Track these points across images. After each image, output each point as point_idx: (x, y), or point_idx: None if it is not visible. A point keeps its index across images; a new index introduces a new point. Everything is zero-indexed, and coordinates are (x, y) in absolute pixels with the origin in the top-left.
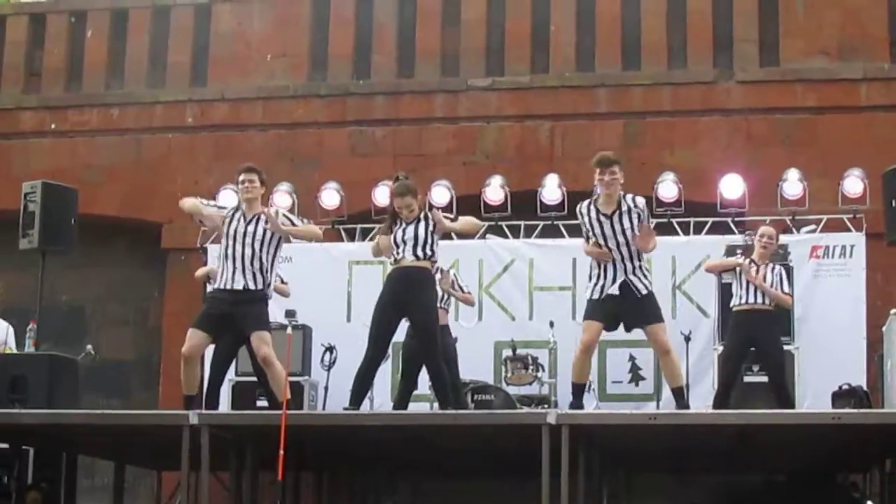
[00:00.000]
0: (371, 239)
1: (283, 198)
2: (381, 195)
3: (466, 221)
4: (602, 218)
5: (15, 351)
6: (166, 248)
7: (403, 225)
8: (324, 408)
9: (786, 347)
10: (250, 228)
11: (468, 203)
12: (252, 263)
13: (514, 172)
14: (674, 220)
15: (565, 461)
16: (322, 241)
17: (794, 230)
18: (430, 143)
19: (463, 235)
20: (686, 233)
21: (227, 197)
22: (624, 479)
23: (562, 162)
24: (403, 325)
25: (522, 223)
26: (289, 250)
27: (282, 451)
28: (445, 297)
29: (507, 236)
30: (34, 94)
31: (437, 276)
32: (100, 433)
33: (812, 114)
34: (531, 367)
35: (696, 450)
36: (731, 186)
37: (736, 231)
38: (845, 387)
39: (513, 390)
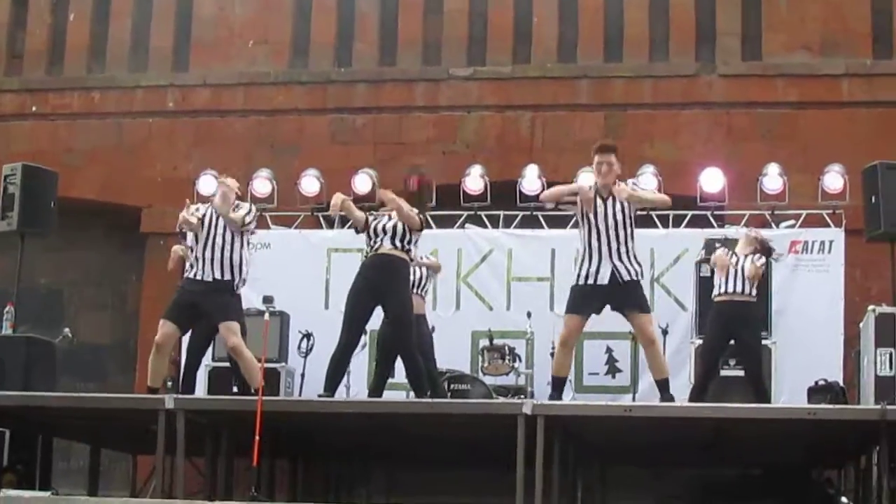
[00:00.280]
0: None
1: (262, 184)
2: (361, 183)
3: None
4: (599, 200)
5: None
6: (145, 233)
7: (384, 218)
8: (300, 394)
9: (763, 342)
10: (221, 221)
11: (447, 192)
12: (222, 254)
13: (494, 162)
14: (653, 213)
15: (540, 452)
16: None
17: (773, 225)
18: (410, 132)
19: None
20: (665, 226)
21: (207, 183)
22: (599, 471)
23: (542, 153)
24: (379, 313)
25: (501, 213)
26: (267, 237)
27: (257, 437)
28: (423, 283)
29: (486, 226)
30: (15, 76)
31: None
32: (76, 416)
33: (793, 109)
34: (508, 358)
35: (671, 443)
36: (711, 180)
37: (715, 224)
38: (821, 382)
39: (489, 380)
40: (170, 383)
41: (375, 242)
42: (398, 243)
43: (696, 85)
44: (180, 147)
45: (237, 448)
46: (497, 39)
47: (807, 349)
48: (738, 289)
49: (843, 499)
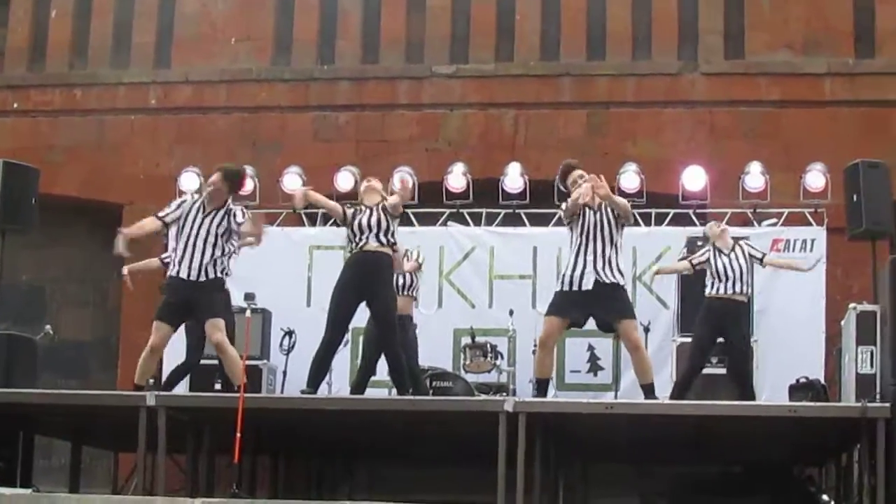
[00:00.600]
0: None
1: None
2: (343, 180)
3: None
4: (588, 209)
5: None
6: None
7: (366, 212)
8: (282, 392)
9: None
10: (206, 221)
11: (430, 190)
12: (212, 253)
13: (476, 160)
14: (635, 211)
15: (522, 450)
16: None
17: (755, 223)
18: (393, 130)
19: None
20: (647, 224)
21: (189, 180)
22: (581, 468)
23: (524, 150)
24: (364, 310)
25: (484, 211)
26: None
27: (238, 434)
28: (413, 284)
29: (468, 224)
30: None
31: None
32: (57, 413)
33: (776, 107)
34: (490, 355)
35: (652, 440)
36: (694, 178)
37: (697, 223)
38: (803, 380)
39: (471, 378)
40: (151, 381)
41: (360, 239)
42: (383, 239)
43: (679, 83)
44: (162, 144)
45: (219, 445)
46: (480, 37)
47: (788, 347)
48: (737, 289)
49: (825, 496)
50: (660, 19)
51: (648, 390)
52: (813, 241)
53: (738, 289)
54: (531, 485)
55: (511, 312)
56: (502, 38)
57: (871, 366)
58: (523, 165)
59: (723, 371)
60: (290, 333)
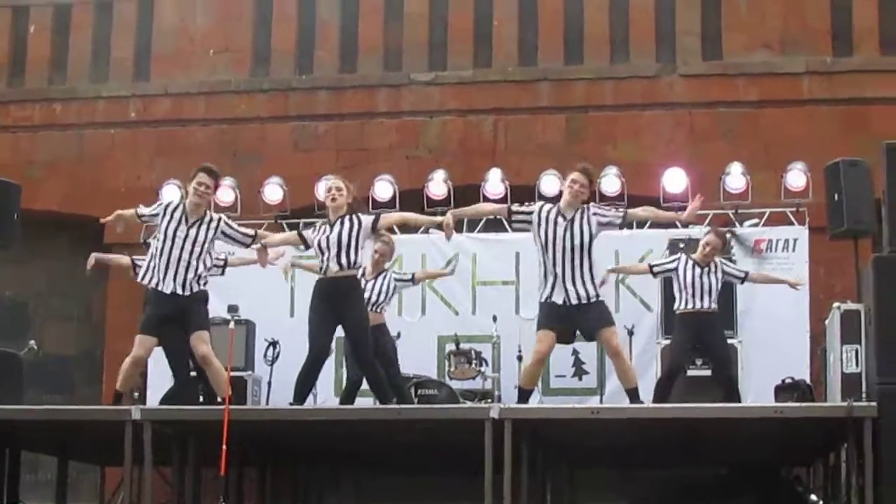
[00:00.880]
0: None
1: (225, 193)
2: (324, 190)
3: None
4: (560, 219)
5: None
6: (109, 244)
7: (326, 230)
8: (267, 403)
9: (729, 341)
10: (192, 232)
11: (411, 198)
12: (194, 266)
13: (456, 167)
14: None
15: (508, 456)
16: None
17: (736, 224)
18: (372, 138)
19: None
20: (629, 227)
21: (170, 192)
22: (567, 473)
23: (505, 156)
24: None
25: (465, 217)
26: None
27: (224, 447)
28: (384, 298)
29: None
30: None
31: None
32: (43, 428)
33: (754, 107)
34: (474, 362)
35: (639, 444)
36: (674, 180)
37: (679, 225)
38: (788, 380)
39: (456, 385)
40: (136, 394)
41: (323, 262)
42: (344, 261)
43: (658, 86)
44: (143, 157)
45: (205, 457)
46: (458, 44)
47: (773, 348)
48: (705, 305)
49: (812, 496)
50: (637, 22)
51: (633, 395)
52: (795, 240)
53: (705, 305)
54: (518, 491)
55: (495, 319)
56: (480, 45)
57: (857, 364)
58: (503, 171)
59: (708, 373)
60: (273, 344)
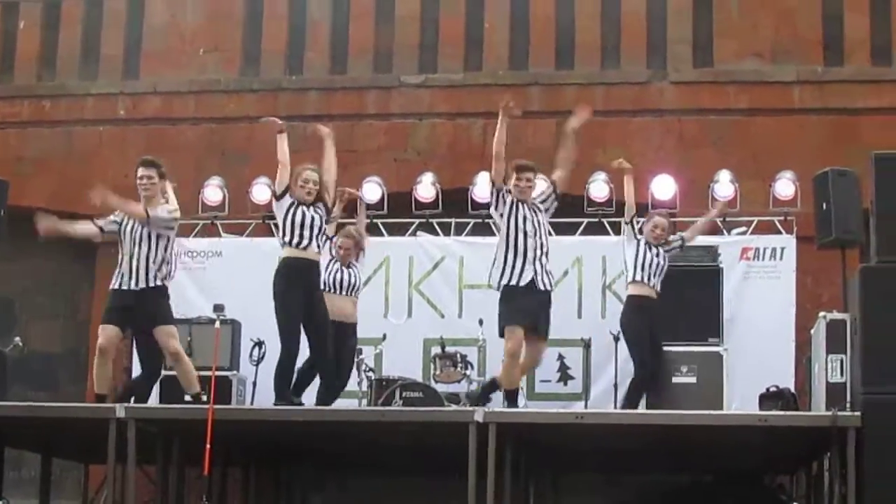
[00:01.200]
0: None
1: (214, 192)
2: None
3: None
4: (526, 209)
5: None
6: (96, 242)
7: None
8: (252, 403)
9: (714, 349)
10: (145, 231)
11: (399, 200)
12: (151, 262)
13: (445, 170)
14: (605, 220)
15: (492, 459)
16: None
17: (724, 232)
18: (361, 140)
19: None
20: (617, 233)
21: None
22: (551, 478)
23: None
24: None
25: (453, 221)
26: (219, 245)
27: (208, 446)
28: (355, 285)
29: (437, 234)
30: None
31: None
32: (27, 425)
33: (744, 115)
34: (460, 365)
35: (623, 450)
36: (663, 187)
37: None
38: (773, 389)
39: (441, 388)
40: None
41: (302, 237)
42: (320, 242)
43: (648, 92)
44: (131, 155)
45: (189, 456)
46: (448, 47)
47: (758, 356)
48: (657, 288)
49: None
50: (628, 28)
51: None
52: (783, 249)
53: (658, 287)
54: (501, 495)
55: (481, 322)
56: (471, 48)
57: (842, 374)
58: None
59: (693, 380)
60: (259, 344)
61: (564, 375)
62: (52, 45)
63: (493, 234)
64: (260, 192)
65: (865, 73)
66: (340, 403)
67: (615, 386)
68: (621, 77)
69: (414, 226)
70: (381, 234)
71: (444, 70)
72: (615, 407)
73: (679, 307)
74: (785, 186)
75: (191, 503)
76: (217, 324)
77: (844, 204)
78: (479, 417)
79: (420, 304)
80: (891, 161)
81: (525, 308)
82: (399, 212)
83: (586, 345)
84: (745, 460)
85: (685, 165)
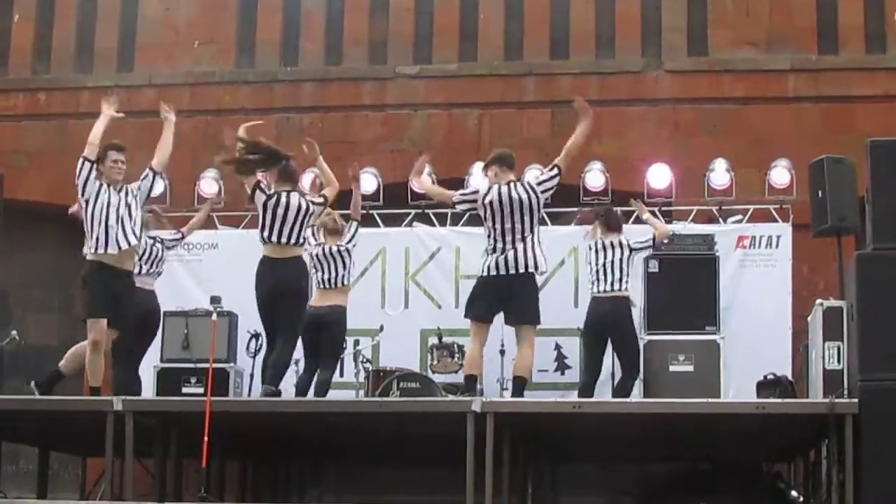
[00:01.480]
0: None
1: (209, 184)
2: (308, 182)
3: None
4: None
5: None
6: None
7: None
8: (249, 395)
9: (711, 337)
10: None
11: (395, 190)
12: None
13: (441, 160)
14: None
15: (490, 449)
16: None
17: (720, 220)
18: (357, 131)
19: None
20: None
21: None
22: (549, 468)
23: (489, 150)
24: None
25: (449, 211)
26: (215, 237)
27: (206, 438)
28: (345, 275)
29: (433, 224)
30: None
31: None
32: (24, 419)
33: (740, 104)
34: (457, 356)
35: (621, 439)
36: (659, 176)
37: (662, 221)
38: (770, 377)
39: (439, 378)
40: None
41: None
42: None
43: (643, 81)
44: (127, 148)
45: (187, 449)
46: (443, 37)
47: (755, 344)
48: (617, 287)
49: (793, 492)
50: (623, 17)
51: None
52: (779, 237)
53: (621, 286)
54: (499, 485)
55: None
56: (466, 39)
57: (839, 361)
58: None
59: (690, 368)
60: (256, 336)
61: (561, 365)
62: (47, 39)
63: None
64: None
65: (860, 61)
66: (338, 395)
67: (612, 375)
68: (616, 66)
69: (410, 216)
70: (378, 225)
71: (440, 61)
72: (613, 396)
73: (675, 296)
74: (780, 174)
75: (189, 496)
76: (214, 316)
77: (840, 191)
78: (476, 407)
79: (416, 294)
80: (886, 148)
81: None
82: (395, 202)
83: (583, 334)
84: (743, 448)
85: (681, 154)
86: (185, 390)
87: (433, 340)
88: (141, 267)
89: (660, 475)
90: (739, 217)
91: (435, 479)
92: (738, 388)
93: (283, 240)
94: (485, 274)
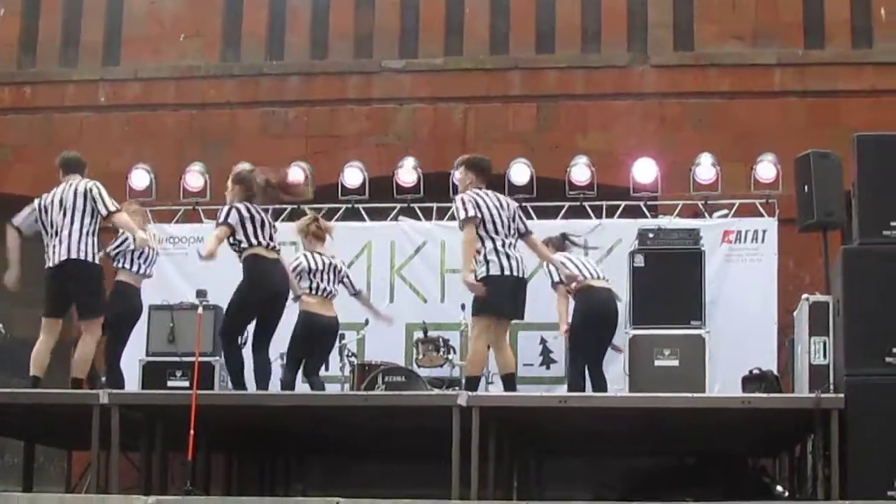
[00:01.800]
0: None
1: (195, 178)
2: (294, 176)
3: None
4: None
5: None
6: None
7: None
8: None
9: (696, 331)
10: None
11: (381, 184)
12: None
13: (427, 154)
14: (586, 204)
15: (475, 444)
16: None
17: (706, 214)
18: (343, 125)
19: None
20: (598, 216)
21: (139, 177)
22: (535, 462)
23: (475, 144)
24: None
25: (435, 205)
26: (200, 231)
27: (192, 431)
28: (337, 288)
29: (419, 218)
30: None
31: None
32: (9, 412)
33: (725, 98)
34: (442, 350)
35: (607, 433)
36: (644, 170)
37: (648, 215)
38: (755, 371)
39: (424, 372)
40: (103, 378)
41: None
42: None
43: (629, 75)
44: (112, 142)
45: (172, 442)
46: (429, 31)
47: (740, 338)
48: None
49: (779, 487)
50: (609, 12)
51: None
52: (764, 231)
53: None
54: (485, 479)
55: (463, 307)
56: (451, 33)
57: (825, 356)
58: None
59: (675, 363)
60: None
61: (547, 359)
62: (32, 32)
63: None
64: None
65: (846, 56)
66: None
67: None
68: (602, 61)
69: (395, 210)
70: (363, 220)
71: (425, 55)
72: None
73: (661, 290)
74: (766, 169)
75: (174, 489)
76: (200, 309)
77: (826, 186)
78: (462, 402)
79: (402, 288)
80: (872, 142)
81: None
82: (380, 197)
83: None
84: (729, 443)
85: (666, 148)
86: (170, 384)
87: (418, 334)
88: (140, 266)
89: (645, 469)
90: (725, 211)
91: (420, 472)
92: (723, 383)
93: (272, 243)
94: (507, 273)
